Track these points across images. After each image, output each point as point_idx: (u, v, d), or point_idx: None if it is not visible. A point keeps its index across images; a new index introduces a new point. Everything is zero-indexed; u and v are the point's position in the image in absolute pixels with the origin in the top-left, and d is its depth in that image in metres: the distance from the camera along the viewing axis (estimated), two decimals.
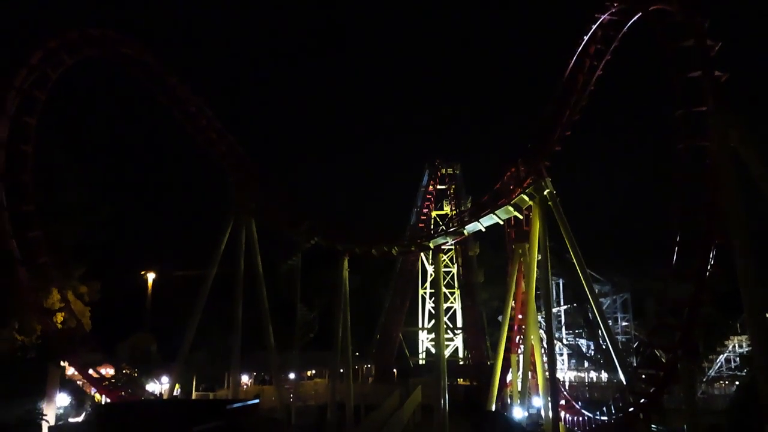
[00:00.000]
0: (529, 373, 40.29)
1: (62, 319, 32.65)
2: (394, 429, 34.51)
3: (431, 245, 38.71)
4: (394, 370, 61.27)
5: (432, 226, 61.93)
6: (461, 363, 61.96)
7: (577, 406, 37.03)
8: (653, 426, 27.09)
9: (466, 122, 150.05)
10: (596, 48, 31.65)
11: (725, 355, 49.67)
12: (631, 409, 27.34)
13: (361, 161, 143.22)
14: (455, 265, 64.58)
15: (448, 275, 64.02)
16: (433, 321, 59.62)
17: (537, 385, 39.40)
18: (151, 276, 49.46)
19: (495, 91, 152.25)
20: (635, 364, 37.96)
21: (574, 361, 59.59)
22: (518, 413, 38.98)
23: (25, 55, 31.38)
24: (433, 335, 60.13)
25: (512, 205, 34.17)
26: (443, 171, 68.67)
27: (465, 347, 63.70)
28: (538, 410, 38.32)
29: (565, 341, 59.51)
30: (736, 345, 49.77)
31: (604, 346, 49.52)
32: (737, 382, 43.89)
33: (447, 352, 54.85)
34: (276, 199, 40.99)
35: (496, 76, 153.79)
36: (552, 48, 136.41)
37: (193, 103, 37.24)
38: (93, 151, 70.61)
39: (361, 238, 40.87)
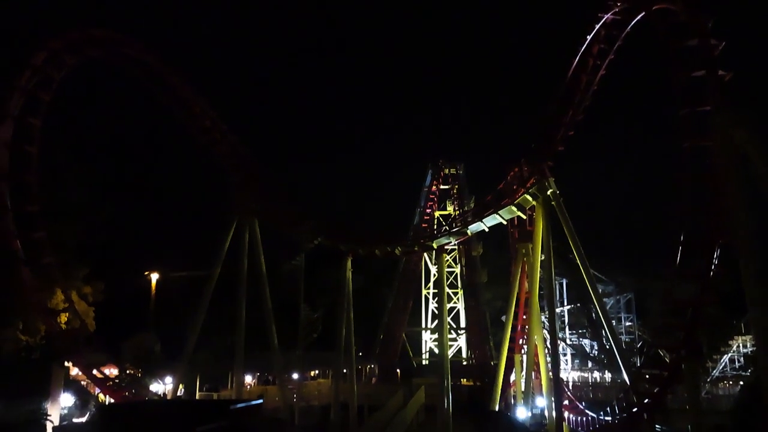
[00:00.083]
0: (533, 373, 40.24)
1: (66, 319, 32.74)
2: (398, 429, 34.50)
3: (434, 245, 38.69)
4: (398, 371, 61.27)
5: (435, 226, 61.99)
6: (464, 363, 61.91)
7: (581, 407, 36.97)
8: (657, 426, 27.03)
9: (469, 122, 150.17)
10: (599, 48, 31.60)
11: (729, 355, 49.56)
12: (635, 409, 27.27)
13: (364, 161, 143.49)
14: (458, 265, 64.55)
15: (451, 275, 63.98)
16: (436, 321, 59.58)
17: (540, 385, 39.30)
18: (154, 276, 49.55)
19: (498, 90, 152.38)
20: (639, 364, 37.87)
21: (577, 361, 59.52)
22: (522, 413, 38.91)
23: (29, 56, 31.48)
24: (436, 335, 60.12)
25: (515, 205, 34.14)
26: (446, 171, 68.67)
27: (468, 347, 63.68)
28: (542, 410, 38.25)
29: (568, 341, 59.42)
30: (740, 345, 49.67)
31: (607, 346, 49.54)
32: (741, 382, 43.74)
33: (450, 352, 54.74)
34: (279, 199, 41.04)
35: (498, 75, 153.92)
36: (555, 48, 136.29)
37: (197, 104, 37.30)
38: (96, 151, 70.82)
39: (364, 238, 40.89)
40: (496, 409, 41.58)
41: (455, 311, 64.63)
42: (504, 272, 53.75)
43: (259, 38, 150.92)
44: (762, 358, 20.88)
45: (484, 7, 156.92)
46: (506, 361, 41.95)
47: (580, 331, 59.87)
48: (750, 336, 46.15)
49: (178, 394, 37.54)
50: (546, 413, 36.21)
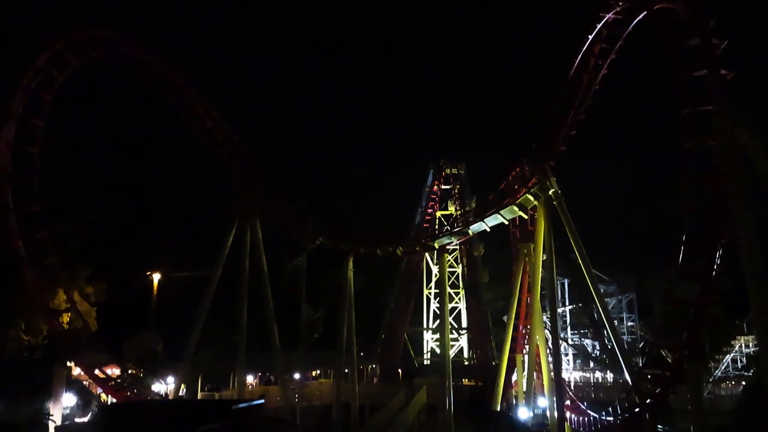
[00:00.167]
0: (534, 374, 40.21)
1: (68, 319, 32.75)
2: (399, 429, 34.52)
3: (436, 245, 38.72)
4: (399, 371, 61.27)
5: (436, 226, 61.98)
6: (466, 363, 61.90)
7: (583, 407, 36.96)
8: (659, 426, 27.00)
9: (471, 122, 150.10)
10: (601, 47, 31.59)
11: (732, 355, 49.45)
12: (637, 409, 27.26)
13: (365, 161, 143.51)
14: (460, 265, 64.51)
15: (452, 275, 63.91)
16: (437, 321, 59.56)
17: (542, 385, 39.29)
18: (156, 276, 49.56)
19: (498, 90, 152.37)
20: (641, 365, 37.80)
21: (579, 361, 59.43)
22: (523, 413, 38.90)
23: (32, 57, 31.53)
24: (437, 335, 60.06)
25: (517, 205, 34.14)
26: (448, 171, 68.64)
27: (470, 347, 63.66)
28: (544, 410, 38.24)
29: (570, 341, 59.34)
30: (743, 345, 49.57)
31: (609, 346, 49.39)
32: (744, 383, 43.67)
33: (452, 353, 54.74)
34: (280, 199, 41.04)
35: (499, 75, 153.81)
36: (555, 47, 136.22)
37: (199, 104, 37.32)
38: (98, 152, 70.97)
39: (366, 239, 40.91)
40: (498, 409, 41.58)
41: (457, 311, 64.62)
42: (505, 272, 53.71)
43: (259, 38, 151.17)
44: (764, 358, 20.84)
45: (484, 7, 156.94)
46: (508, 361, 41.96)
47: (581, 331, 59.77)
48: (752, 336, 46.08)
49: (180, 394, 37.55)
50: (548, 413, 36.19)
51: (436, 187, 67.99)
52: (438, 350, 55.41)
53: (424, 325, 65.74)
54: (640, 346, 55.50)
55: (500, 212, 34.61)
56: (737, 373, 49.12)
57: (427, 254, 60.50)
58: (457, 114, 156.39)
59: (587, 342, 59.64)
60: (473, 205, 57.11)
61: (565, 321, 59.61)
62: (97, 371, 32.36)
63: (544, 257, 34.83)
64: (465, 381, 56.10)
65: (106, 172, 68.62)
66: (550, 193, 33.10)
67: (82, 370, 33.06)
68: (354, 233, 41.31)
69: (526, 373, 41.25)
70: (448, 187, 68.36)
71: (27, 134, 31.73)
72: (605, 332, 48.38)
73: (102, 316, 38.71)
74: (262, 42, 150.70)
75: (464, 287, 64.34)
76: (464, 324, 64.54)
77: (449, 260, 60.16)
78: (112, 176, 69.44)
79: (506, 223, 36.40)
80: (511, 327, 41.54)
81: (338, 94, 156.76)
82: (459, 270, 64.64)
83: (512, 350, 42.52)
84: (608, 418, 31.39)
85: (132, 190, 68.79)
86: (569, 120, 32.69)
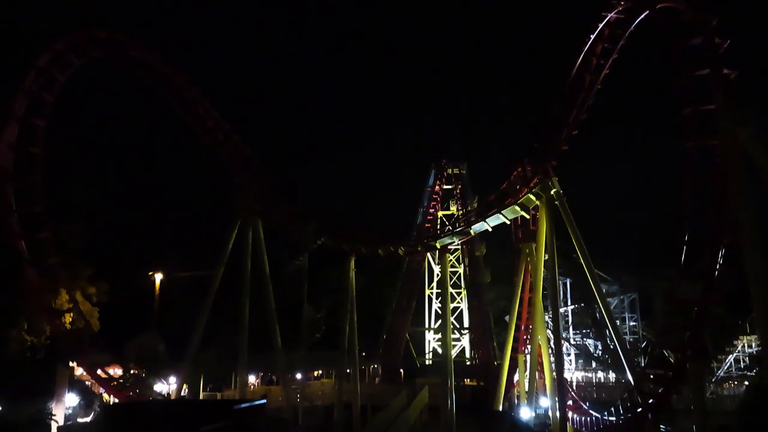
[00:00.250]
0: (537, 374, 40.17)
1: (71, 319, 32.82)
2: (401, 429, 34.50)
3: (438, 245, 38.68)
4: (401, 371, 61.25)
5: (438, 226, 61.94)
6: (468, 363, 61.84)
7: (585, 407, 36.91)
8: (662, 426, 26.97)
9: (472, 122, 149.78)
10: (603, 46, 31.55)
11: (734, 355, 49.35)
12: (640, 409, 27.22)
13: (366, 161, 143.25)
14: (462, 265, 64.47)
15: (454, 275, 63.91)
16: (439, 321, 59.52)
17: (544, 385, 39.27)
18: (158, 277, 49.65)
19: (499, 90, 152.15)
20: (643, 365, 37.79)
21: (581, 361, 59.34)
22: (525, 413, 38.87)
23: (34, 58, 31.59)
24: (439, 335, 60.02)
25: (519, 205, 34.10)
26: (449, 171, 68.59)
27: (472, 347, 63.61)
28: (546, 410, 38.21)
29: (572, 341, 59.27)
30: (746, 345, 49.47)
31: (611, 346, 49.27)
32: (746, 383, 43.61)
33: (454, 353, 54.70)
34: (282, 199, 41.04)
35: (499, 75, 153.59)
36: (556, 47, 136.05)
37: (200, 105, 37.37)
38: (100, 152, 71.02)
39: (367, 239, 40.87)
40: (500, 409, 41.54)
41: (458, 311, 64.59)
42: (507, 272, 53.67)
43: (259, 38, 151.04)
44: (767, 357, 20.81)
45: (485, 7, 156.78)
46: (510, 361, 41.92)
47: (583, 330, 59.68)
48: (755, 336, 45.99)
49: (182, 394, 37.59)
50: (550, 413, 36.16)
51: (437, 186, 67.97)
52: (440, 350, 55.37)
53: (426, 325, 65.74)
54: (643, 346, 55.43)
55: (502, 212, 34.57)
56: (740, 373, 49.02)
57: (428, 254, 60.51)
58: (458, 114, 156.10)
59: (589, 342, 59.55)
60: (475, 204, 57.05)
61: (567, 321, 59.53)
62: (99, 371, 32.43)
63: (546, 257, 34.79)
64: (467, 381, 56.01)
65: (108, 173, 68.84)
66: (552, 192, 33.07)
67: (85, 370, 33.13)
68: (355, 233, 41.27)
69: (528, 373, 41.21)
70: (449, 187, 68.31)
71: (29, 135, 31.81)
72: (607, 332, 48.27)
73: (104, 316, 38.77)
74: (262, 42, 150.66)
75: (466, 287, 64.32)
76: (466, 324, 64.52)
77: (451, 260, 60.17)
78: (114, 176, 69.63)
79: (508, 222, 36.35)
80: (513, 327, 41.50)
81: (338, 94, 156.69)
82: (461, 270, 64.61)
83: (514, 350, 42.49)
84: (610, 418, 31.33)
85: (134, 190, 68.95)
86: (571, 120, 32.65)
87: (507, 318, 45.44)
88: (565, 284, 58.58)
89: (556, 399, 32.90)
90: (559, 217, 33.14)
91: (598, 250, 42.41)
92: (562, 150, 33.54)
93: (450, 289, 49.41)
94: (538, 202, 33.93)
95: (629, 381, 30.67)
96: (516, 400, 43.87)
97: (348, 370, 41.28)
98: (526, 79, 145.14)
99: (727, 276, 24.07)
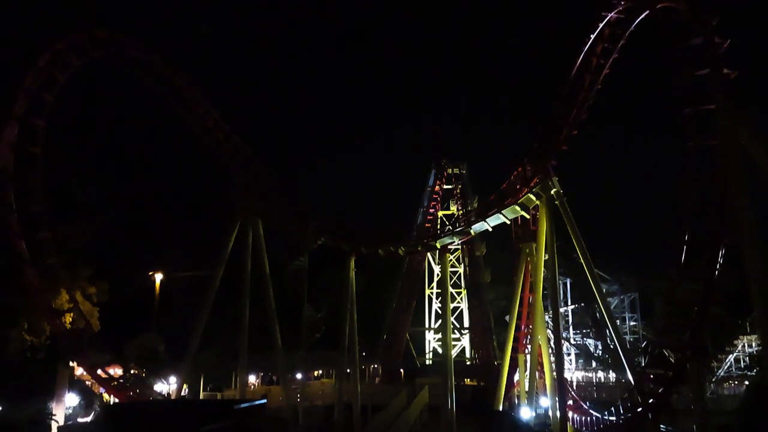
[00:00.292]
0: (537, 373, 40.17)
1: (71, 319, 32.84)
2: (401, 429, 34.50)
3: (438, 245, 38.66)
4: (401, 370, 61.26)
5: (438, 226, 61.93)
6: (468, 363, 61.86)
7: (585, 406, 36.90)
8: (662, 426, 26.97)
9: (472, 122, 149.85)
10: (603, 46, 31.55)
11: (734, 354, 49.32)
12: (640, 409, 27.22)
13: (366, 161, 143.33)
14: (462, 265, 64.48)
15: (454, 275, 63.91)
16: (439, 321, 59.52)
17: (544, 385, 39.26)
18: (158, 277, 49.67)
19: (499, 90, 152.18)
20: (643, 364, 37.76)
21: (581, 361, 59.33)
22: (526, 413, 38.86)
23: (34, 58, 31.60)
24: (440, 335, 60.03)
25: (519, 205, 34.08)
26: (449, 171, 68.57)
27: (472, 347, 63.62)
28: (546, 410, 38.19)
29: (572, 341, 59.26)
30: (746, 344, 49.44)
31: (612, 346, 49.24)
32: (747, 382, 43.59)
33: (454, 352, 54.67)
34: (282, 199, 41.04)
35: (499, 75, 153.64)
36: (556, 47, 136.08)
37: (200, 105, 37.37)
38: (100, 152, 71.04)
39: (367, 239, 40.86)
40: (500, 409, 41.53)
41: (459, 311, 64.59)
42: (507, 272, 53.66)
43: (259, 38, 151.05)
44: (767, 357, 20.81)
45: (484, 7, 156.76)
46: (510, 361, 41.92)
47: (584, 330, 59.65)
48: (755, 335, 45.96)
49: (182, 394, 37.60)
50: (550, 413, 36.15)
51: (437, 186, 67.96)
52: (440, 350, 55.36)
53: (426, 325, 65.75)
54: (643, 345, 55.41)
55: (502, 212, 34.55)
56: (740, 372, 48.99)
57: (429, 254, 60.49)
58: (458, 114, 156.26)
59: (589, 342, 59.52)
60: (475, 204, 57.02)
61: (567, 321, 59.51)
62: (99, 371, 32.43)
63: (546, 257, 34.77)
64: (467, 381, 56.02)
65: (108, 173, 68.85)
66: (552, 192, 33.06)
67: (85, 370, 33.14)
68: (355, 233, 41.26)
69: (528, 372, 41.20)
70: (449, 186, 68.30)
71: (29, 135, 31.82)
72: (607, 332, 48.24)
73: (104, 316, 38.80)
74: (262, 42, 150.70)
75: (466, 287, 64.32)
76: (466, 324, 64.53)
77: (451, 260, 60.16)
78: (114, 176, 69.64)
79: (508, 222, 36.34)
80: (513, 327, 41.49)
81: (338, 94, 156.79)
82: (461, 270, 64.62)
83: (514, 350, 42.48)
84: (611, 418, 31.32)
85: (134, 190, 68.96)
86: (571, 119, 32.64)
87: (507, 318, 45.43)
88: (565, 284, 58.55)
89: (557, 399, 32.88)
90: (559, 217, 33.13)
91: (598, 250, 42.47)
92: (562, 150, 33.51)
93: (450, 289, 49.38)
94: (538, 202, 33.92)
95: (629, 381, 30.65)
96: (516, 400, 43.86)
97: (348, 370, 41.29)
98: (526, 79, 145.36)
99: (727, 276, 24.06)
